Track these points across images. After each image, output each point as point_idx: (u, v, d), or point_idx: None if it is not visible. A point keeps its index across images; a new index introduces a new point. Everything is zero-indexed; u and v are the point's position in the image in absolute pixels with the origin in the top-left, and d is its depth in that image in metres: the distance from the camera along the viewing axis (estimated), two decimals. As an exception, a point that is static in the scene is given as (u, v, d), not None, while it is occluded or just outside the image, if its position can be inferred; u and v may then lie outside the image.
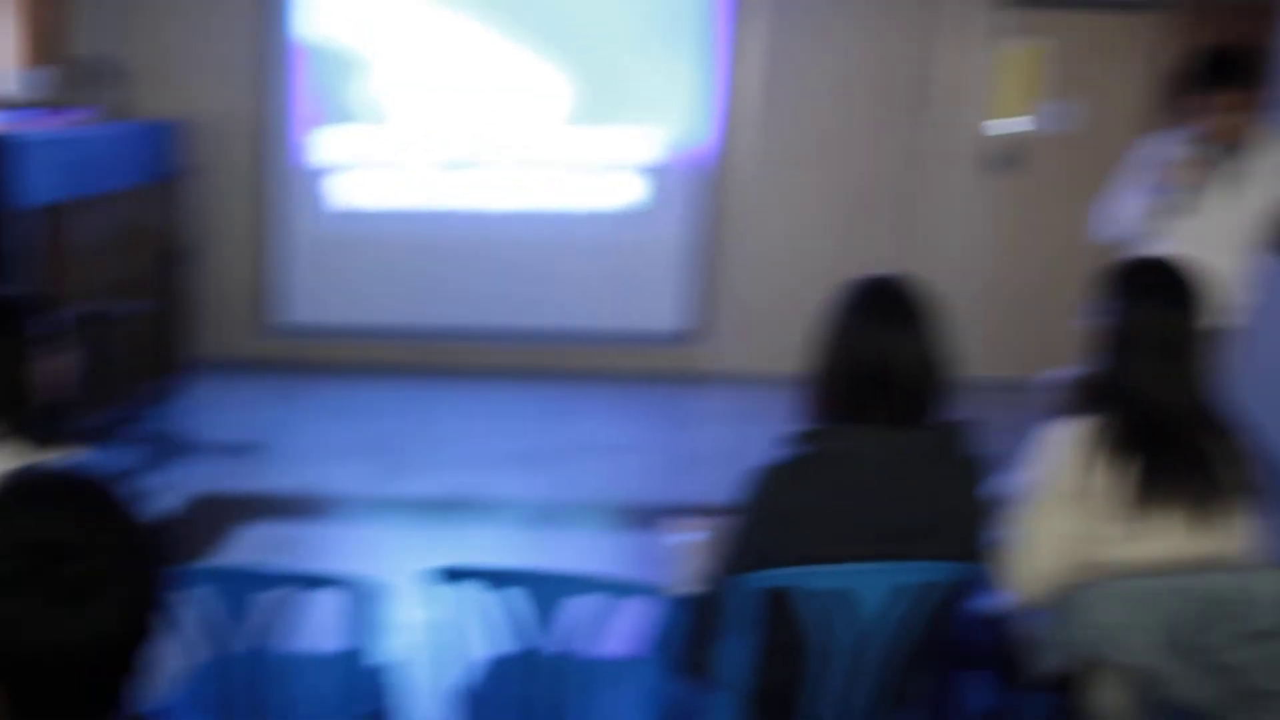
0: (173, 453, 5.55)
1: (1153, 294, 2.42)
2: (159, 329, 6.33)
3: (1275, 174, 3.95)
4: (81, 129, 5.51)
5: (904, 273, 2.46)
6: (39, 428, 2.48)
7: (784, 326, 7.11)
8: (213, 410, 6.17)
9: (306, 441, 5.93)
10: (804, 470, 2.31)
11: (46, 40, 6.48)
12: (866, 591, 2.24)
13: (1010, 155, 7.02)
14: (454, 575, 2.38)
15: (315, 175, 6.94)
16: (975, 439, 2.36)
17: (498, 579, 2.37)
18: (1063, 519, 2.33)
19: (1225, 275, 3.66)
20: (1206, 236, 3.74)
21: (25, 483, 1.33)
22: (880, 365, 2.29)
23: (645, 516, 5.06)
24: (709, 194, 7.03)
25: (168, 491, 4.93)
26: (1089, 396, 2.48)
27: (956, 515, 2.33)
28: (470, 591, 2.35)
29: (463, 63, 6.80)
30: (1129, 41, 6.92)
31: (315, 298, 7.03)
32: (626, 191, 6.97)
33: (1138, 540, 2.31)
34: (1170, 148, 4.03)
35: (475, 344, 7.15)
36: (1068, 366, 3.43)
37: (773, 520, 2.32)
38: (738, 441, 6.04)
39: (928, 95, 7.01)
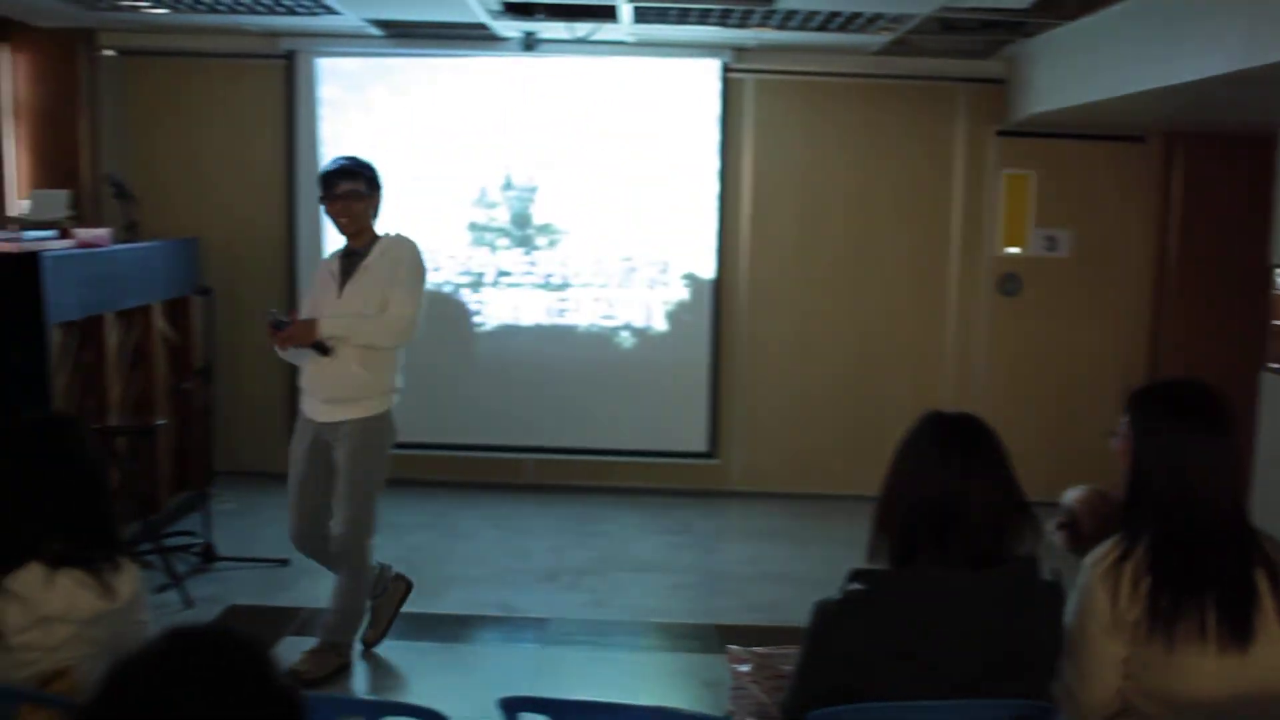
0: (202, 566, 5.48)
1: (1187, 417, 2.39)
2: (183, 443, 6.31)
3: None
4: (102, 248, 5.54)
5: (969, 411, 2.43)
6: (97, 546, 2.46)
7: (801, 445, 7.17)
8: (241, 523, 6.10)
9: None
10: (872, 609, 2.25)
11: (59, 162, 6.59)
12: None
13: (1014, 277, 7.11)
14: (514, 705, 2.30)
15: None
16: (1046, 574, 2.31)
17: (561, 710, 2.31)
18: (1108, 646, 2.31)
19: None
20: None
21: (180, 651, 1.28)
22: (955, 503, 2.26)
23: (680, 635, 5.01)
24: (722, 314, 7.10)
25: (205, 604, 4.85)
26: (1118, 518, 2.46)
27: (1031, 653, 2.27)
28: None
29: (489, 180, 6.92)
30: (1119, 170, 7.07)
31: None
32: (655, 312, 7.03)
33: (1177, 662, 2.27)
34: None
35: (503, 458, 7.15)
36: (1086, 486, 3.41)
37: (841, 658, 2.27)
38: (763, 560, 6.02)
39: (942, 217, 7.12)
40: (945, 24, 5.79)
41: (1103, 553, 2.35)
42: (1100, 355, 7.15)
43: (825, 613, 2.26)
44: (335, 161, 4.48)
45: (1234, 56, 4.24)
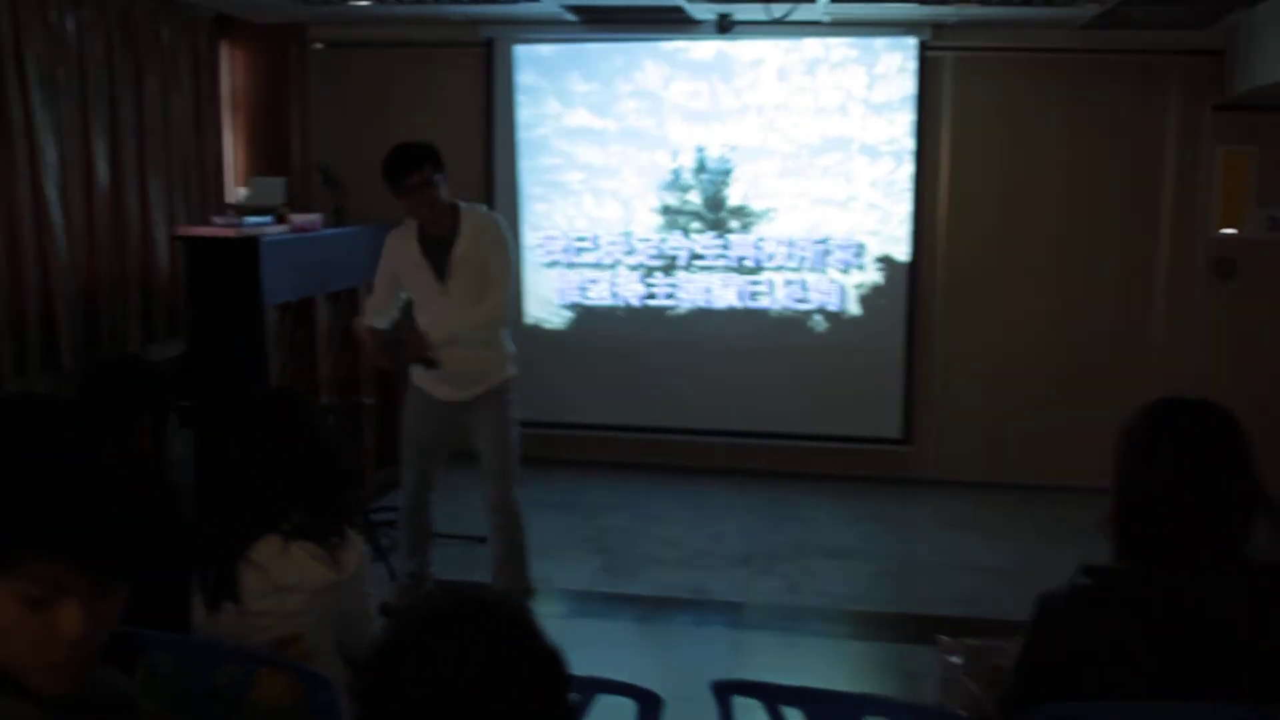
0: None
1: None
2: (386, 421, 6.52)
3: None
4: (314, 232, 5.76)
5: (1212, 399, 2.24)
6: (328, 520, 2.55)
7: (998, 433, 6.97)
8: (440, 500, 6.26)
9: (531, 535, 5.96)
10: (1099, 607, 2.13)
11: (272, 151, 6.88)
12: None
13: (1229, 260, 6.74)
14: (726, 689, 2.28)
15: (535, 271, 7.12)
16: None
17: (775, 695, 2.27)
18: None
19: None
20: None
21: (458, 611, 1.32)
22: (1192, 498, 2.11)
23: (876, 624, 4.94)
24: (917, 298, 6.94)
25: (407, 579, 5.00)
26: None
27: (1270, 661, 2.13)
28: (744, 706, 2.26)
29: (683, 163, 6.94)
30: None
31: (539, 393, 7.15)
32: (849, 295, 6.93)
33: None
34: None
35: (695, 441, 7.16)
36: None
37: (1065, 655, 2.16)
38: (959, 550, 5.88)
39: (1152, 197, 6.80)
40: (1161, -8, 5.51)
41: None
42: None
43: (1050, 606, 2.17)
44: (396, 154, 4.45)
45: None
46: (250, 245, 5.14)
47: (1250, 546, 2.14)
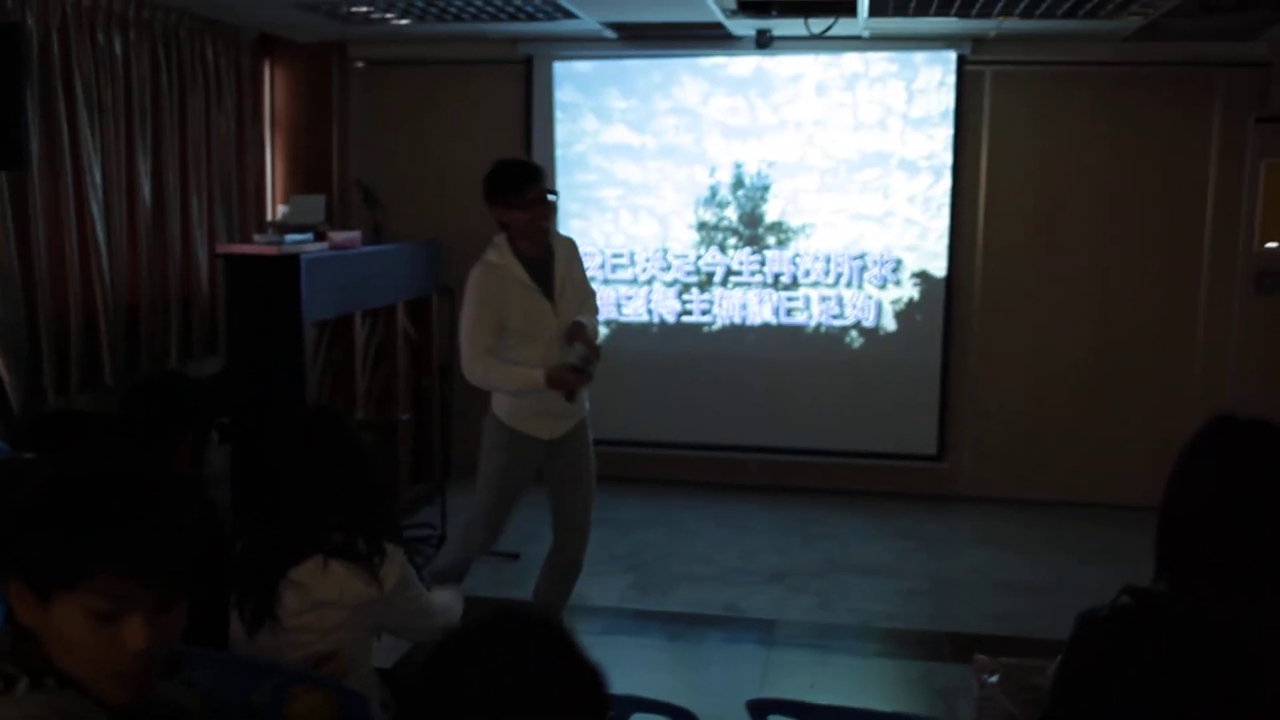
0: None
1: None
2: (421, 438, 6.57)
3: None
4: (353, 250, 5.82)
5: (1267, 419, 2.19)
6: (369, 536, 2.58)
7: (1034, 450, 6.92)
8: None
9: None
10: (1140, 630, 2.12)
11: (313, 169, 6.96)
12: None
13: (1272, 274, 6.65)
14: (762, 708, 2.28)
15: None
16: None
17: (810, 714, 2.28)
18: None
19: None
20: None
21: (504, 627, 1.34)
22: (1245, 521, 2.06)
23: (909, 642, 4.91)
24: (954, 313, 6.92)
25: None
26: None
27: None
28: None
29: (720, 179, 6.96)
30: None
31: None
32: (885, 311, 6.92)
33: None
34: None
35: (728, 457, 7.16)
36: None
37: (1104, 677, 2.14)
38: (994, 568, 5.84)
39: (1195, 211, 6.74)
40: (1204, 5, 5.46)
41: None
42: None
43: (1090, 626, 2.14)
44: (515, 166, 4.24)
45: None
46: (291, 263, 5.19)
47: None
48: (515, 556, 5.68)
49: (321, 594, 2.50)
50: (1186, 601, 2.09)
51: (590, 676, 1.33)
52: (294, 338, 5.21)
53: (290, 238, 5.47)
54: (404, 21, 6.35)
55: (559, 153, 7.06)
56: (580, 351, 4.13)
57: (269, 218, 6.59)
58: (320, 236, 5.70)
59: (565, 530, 4.41)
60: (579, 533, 4.39)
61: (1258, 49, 6.44)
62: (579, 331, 4.15)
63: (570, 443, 4.33)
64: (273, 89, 6.98)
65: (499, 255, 4.19)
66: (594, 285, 6.99)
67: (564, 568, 4.45)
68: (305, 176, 6.95)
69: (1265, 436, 2.15)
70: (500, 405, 4.30)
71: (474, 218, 7.22)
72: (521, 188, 4.12)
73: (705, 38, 6.69)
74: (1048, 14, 5.75)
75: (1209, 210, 6.71)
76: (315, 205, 5.94)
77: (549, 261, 4.22)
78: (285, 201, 6.58)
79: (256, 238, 5.72)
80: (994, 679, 2.79)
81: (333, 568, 2.51)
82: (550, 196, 4.21)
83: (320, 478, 2.54)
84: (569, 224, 7.10)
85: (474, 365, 4.13)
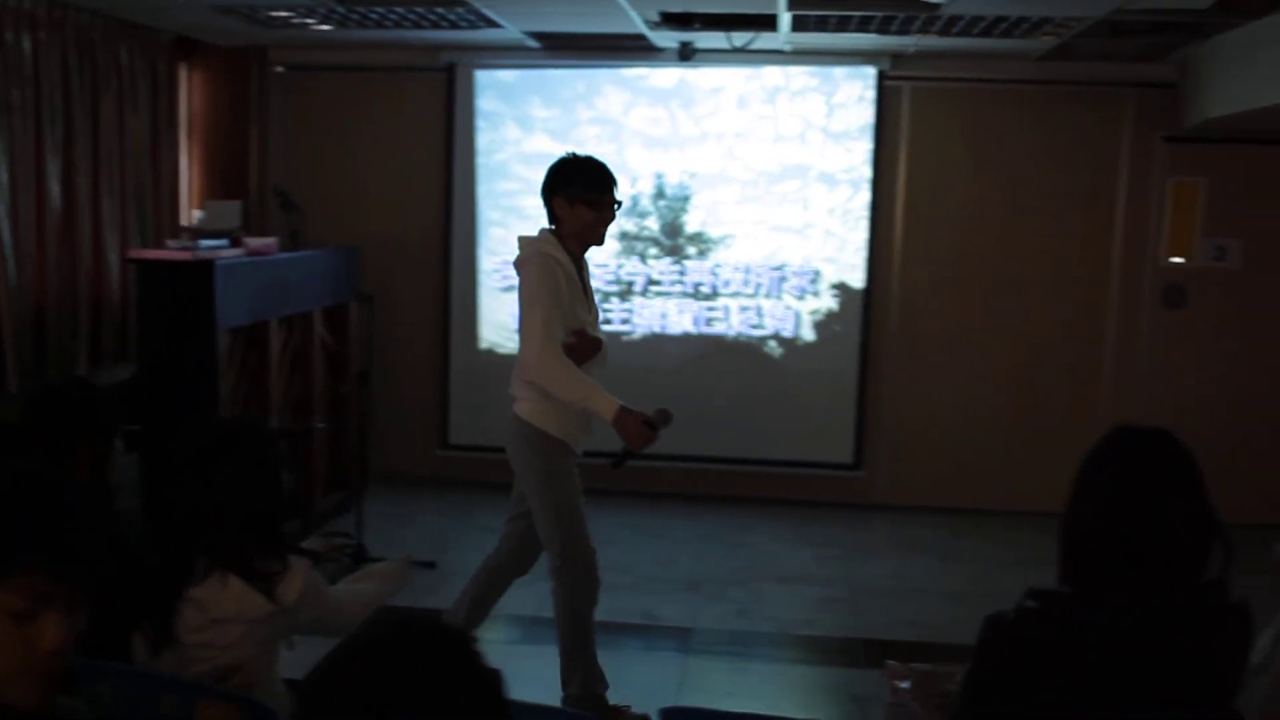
0: (353, 566, 5.62)
1: None
2: (338, 446, 6.50)
3: None
4: (269, 256, 5.74)
5: (1165, 427, 2.25)
6: (269, 550, 2.54)
7: (949, 459, 7.03)
8: (389, 525, 6.26)
9: (478, 559, 5.91)
10: (1046, 631, 2.16)
11: (229, 174, 6.86)
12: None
13: (1179, 288, 6.85)
14: (674, 717, 2.28)
15: (491, 296, 7.15)
16: (1236, 600, 2.16)
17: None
18: None
19: None
20: None
21: (396, 636, 1.32)
22: (1145, 525, 2.12)
23: (826, 649, 4.96)
24: (871, 324, 7.01)
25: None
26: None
27: (1211, 679, 2.14)
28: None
29: (641, 189, 6.98)
30: None
31: (490, 418, 7.14)
32: (804, 321, 6.99)
33: None
34: None
35: (647, 465, 7.13)
36: None
37: (1011, 678, 2.18)
38: (910, 575, 5.92)
39: (1104, 226, 6.91)
40: (1114, 27, 5.60)
41: None
42: (1271, 371, 6.82)
43: (996, 629, 2.18)
44: (602, 165, 4.00)
45: None
46: (205, 268, 5.12)
47: (1205, 573, 2.15)
48: (431, 565, 5.64)
49: (219, 610, 2.45)
50: (1089, 602, 2.15)
51: (488, 685, 1.32)
52: (207, 344, 5.13)
53: (205, 243, 5.39)
54: (326, 27, 6.29)
55: (480, 161, 7.05)
56: (667, 416, 3.99)
57: (184, 223, 6.48)
58: (236, 242, 5.62)
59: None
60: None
61: (1165, 70, 6.62)
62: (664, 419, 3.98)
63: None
64: (190, 92, 6.87)
65: (555, 249, 3.93)
66: (514, 295, 7.06)
67: (519, 566, 4.36)
68: (222, 181, 6.86)
69: (1160, 444, 2.21)
70: (548, 419, 4.04)
71: (396, 224, 7.24)
72: (607, 188, 3.95)
73: (628, 49, 6.72)
74: (964, 33, 5.86)
75: (1118, 226, 6.88)
76: (231, 211, 5.86)
77: (582, 268, 4.07)
78: (201, 207, 6.48)
79: (170, 243, 5.63)
80: (906, 685, 2.83)
81: (231, 583, 2.46)
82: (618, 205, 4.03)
83: (225, 490, 2.49)
84: (490, 232, 7.09)
85: (550, 358, 3.86)
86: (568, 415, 4.02)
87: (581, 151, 4.07)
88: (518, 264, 4.00)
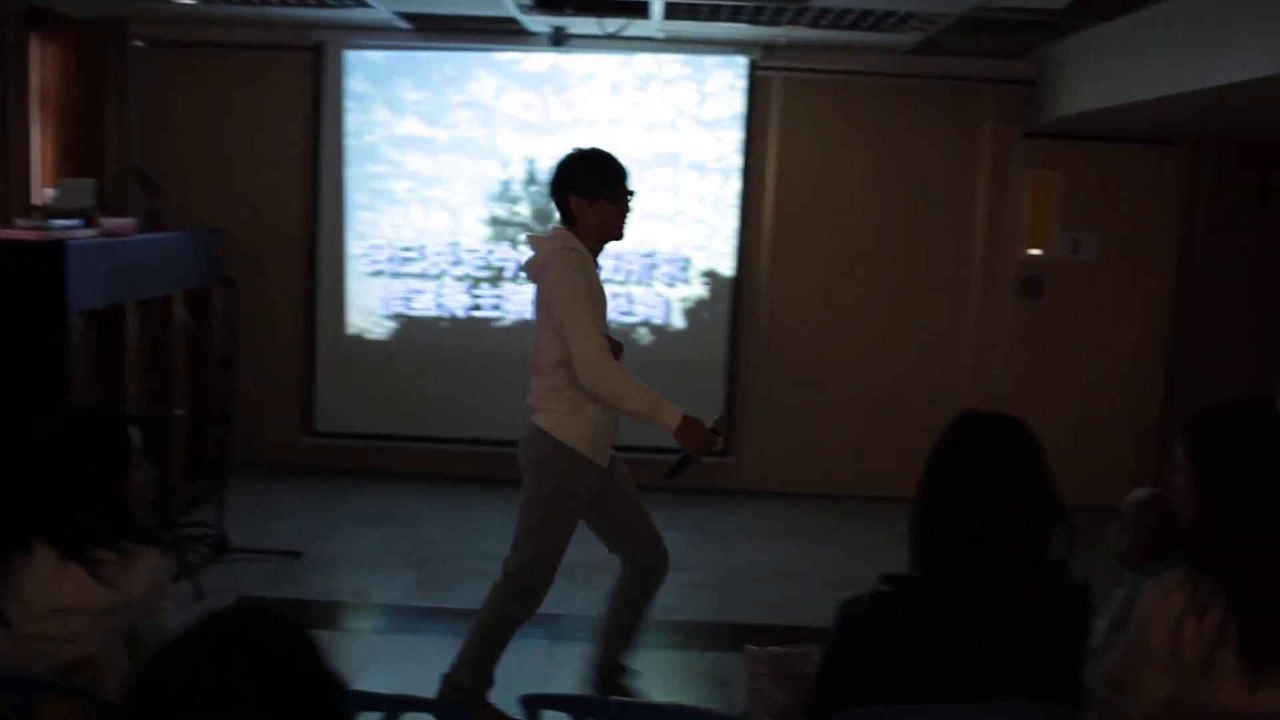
0: (214, 556, 5.50)
1: (1258, 444, 2.22)
2: (199, 434, 6.34)
3: None
4: (126, 237, 5.56)
5: (1008, 413, 2.31)
6: (112, 537, 2.47)
7: (816, 446, 7.16)
8: (253, 514, 6.13)
9: (345, 548, 5.88)
10: (899, 613, 2.20)
11: (85, 152, 6.61)
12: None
13: (1037, 280, 7.09)
14: (534, 703, 2.28)
15: (359, 281, 7.02)
16: (1077, 581, 2.24)
17: (581, 707, 2.30)
18: (1158, 684, 2.18)
19: None
20: None
21: (221, 632, 1.29)
22: (989, 508, 2.18)
23: (694, 634, 5.00)
24: (741, 312, 7.09)
25: (216, 595, 4.87)
26: (1165, 532, 2.35)
27: (1054, 659, 2.22)
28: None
29: (512, 175, 6.94)
30: (1145, 174, 7.03)
31: (359, 405, 7.07)
32: (673, 309, 7.04)
33: (1263, 700, 2.12)
34: None
35: (514, 452, 7.11)
36: (1148, 490, 3.36)
37: (865, 660, 2.23)
38: (777, 560, 6.01)
39: (966, 218, 7.09)
40: (977, 24, 5.75)
41: (1166, 588, 2.20)
42: (1122, 359, 7.12)
43: (852, 613, 2.23)
44: (612, 157, 3.85)
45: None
46: (56, 249, 4.93)
47: (1048, 555, 2.22)
48: (296, 555, 5.54)
49: (58, 600, 2.38)
50: (940, 585, 2.21)
51: (326, 679, 1.30)
52: (59, 328, 4.95)
53: (57, 223, 5.20)
54: (189, 1, 6.11)
55: (349, 143, 6.92)
56: (724, 422, 3.79)
57: (34, 201, 6.22)
58: (90, 222, 5.43)
59: (648, 533, 4.19)
60: (655, 532, 4.18)
61: (1025, 68, 6.82)
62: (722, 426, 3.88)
63: (614, 463, 4.09)
64: (44, 65, 6.60)
65: (581, 247, 3.76)
66: (383, 280, 7.02)
67: (656, 570, 4.25)
68: (76, 159, 6.59)
69: (1003, 430, 2.28)
70: (579, 436, 3.91)
71: (261, 207, 7.07)
72: (623, 180, 3.79)
73: (500, 32, 6.67)
74: (833, 25, 5.96)
75: (980, 218, 7.08)
76: (85, 189, 5.66)
77: (597, 266, 3.86)
78: (53, 185, 6.23)
79: (20, 222, 5.40)
80: (763, 668, 2.88)
81: (70, 572, 2.39)
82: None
83: (68, 477, 2.42)
84: (358, 215, 6.97)
85: (608, 369, 3.73)
86: (599, 431, 3.89)
87: (585, 145, 3.93)
88: (539, 265, 3.79)
